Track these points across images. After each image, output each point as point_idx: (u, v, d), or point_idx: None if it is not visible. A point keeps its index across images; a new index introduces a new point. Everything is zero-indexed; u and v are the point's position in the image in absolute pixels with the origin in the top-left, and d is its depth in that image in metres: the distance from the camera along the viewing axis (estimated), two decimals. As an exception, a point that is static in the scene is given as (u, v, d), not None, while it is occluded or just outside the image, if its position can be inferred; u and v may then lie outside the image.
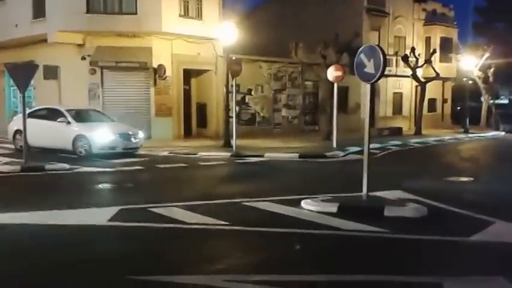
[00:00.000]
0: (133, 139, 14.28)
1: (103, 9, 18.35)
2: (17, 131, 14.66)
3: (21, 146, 14.41)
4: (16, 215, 6.94)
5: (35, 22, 19.32)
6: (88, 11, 18.10)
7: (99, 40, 18.19)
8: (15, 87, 14.71)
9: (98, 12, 18.22)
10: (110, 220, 6.73)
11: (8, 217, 6.83)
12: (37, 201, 7.92)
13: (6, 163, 11.88)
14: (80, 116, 14.66)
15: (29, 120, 14.40)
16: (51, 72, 18.47)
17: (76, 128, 13.93)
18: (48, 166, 11.49)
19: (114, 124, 14.81)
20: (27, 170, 11.07)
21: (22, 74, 11.67)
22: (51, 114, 14.68)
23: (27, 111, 15.08)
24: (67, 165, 11.76)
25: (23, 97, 12.00)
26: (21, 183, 10.10)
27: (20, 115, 15.46)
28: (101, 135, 13.72)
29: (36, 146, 14.19)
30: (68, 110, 14.53)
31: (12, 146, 15.38)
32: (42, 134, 14.30)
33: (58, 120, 14.23)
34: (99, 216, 6.93)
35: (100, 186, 9.61)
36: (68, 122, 14.06)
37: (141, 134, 14.74)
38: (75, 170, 11.53)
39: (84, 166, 12.01)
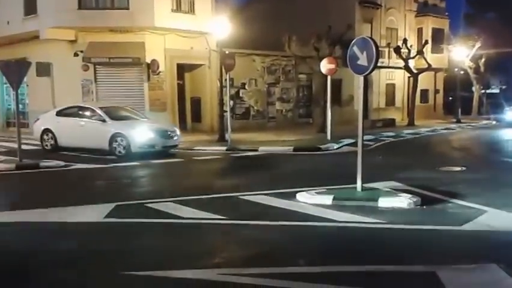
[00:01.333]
0: (171, 136, 13.70)
1: (94, 4, 18.23)
2: (46, 130, 14.11)
3: (51, 145, 14.11)
4: (10, 213, 6.96)
5: (26, 19, 19.18)
6: (79, 7, 17.97)
7: (91, 36, 18.10)
8: (8, 85, 14.60)
9: (90, 7, 18.11)
10: (106, 217, 6.76)
11: (2, 215, 6.85)
12: (31, 199, 7.94)
13: (0, 161, 11.83)
14: (112, 113, 13.78)
15: (59, 119, 14.18)
16: (44, 69, 18.38)
17: (112, 126, 13.15)
18: (43, 163, 11.48)
19: (150, 122, 14.27)
20: (22, 168, 11.05)
21: (15, 71, 11.61)
22: (83, 112, 14.01)
23: (56, 109, 14.89)
24: (61, 163, 11.74)
25: (16, 95, 11.95)
26: (15, 182, 10.10)
27: (48, 113, 15.14)
28: (141, 134, 12.99)
29: (67, 146, 13.75)
30: (100, 108, 13.89)
31: (6, 144, 15.31)
32: (75, 133, 13.70)
33: (93, 118, 13.59)
34: (95, 213, 6.96)
35: (95, 182, 9.63)
36: (103, 120, 13.32)
37: (178, 131, 14.20)
38: (70, 167, 11.53)
39: (79, 163, 12.01)
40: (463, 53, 30.27)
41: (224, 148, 14.78)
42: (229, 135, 15.49)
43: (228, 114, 15.99)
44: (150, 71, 18.65)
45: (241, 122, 21.32)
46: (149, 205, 7.39)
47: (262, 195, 7.95)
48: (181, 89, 20.65)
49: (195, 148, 14.95)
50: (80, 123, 13.84)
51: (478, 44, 30.86)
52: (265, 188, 8.44)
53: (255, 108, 23.14)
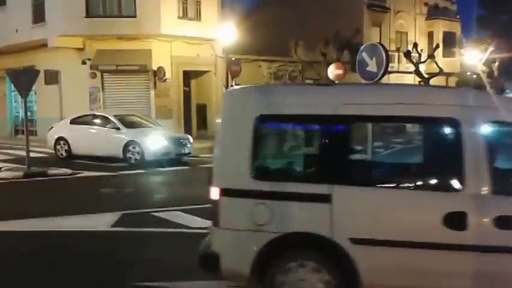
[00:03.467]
0: (184, 144, 13.68)
1: (102, 12, 18.32)
2: (60, 139, 14.06)
3: (65, 153, 14.03)
4: (18, 222, 6.90)
5: (35, 27, 19.31)
6: (87, 15, 18.07)
7: (99, 44, 18.15)
8: (17, 93, 14.66)
9: (97, 16, 18.19)
10: (113, 226, 6.71)
11: (11, 224, 6.79)
12: (39, 207, 7.89)
13: (9, 169, 11.83)
14: (126, 121, 13.78)
15: (73, 127, 14.16)
16: (52, 77, 18.45)
17: (126, 134, 13.13)
18: (50, 171, 11.47)
19: (163, 129, 14.24)
20: (30, 176, 11.03)
21: (23, 79, 11.65)
22: (97, 120, 14.02)
23: (70, 118, 14.81)
24: (69, 170, 11.73)
25: (25, 102, 11.98)
26: (24, 190, 10.08)
27: (61, 122, 15.15)
28: (155, 141, 12.99)
29: (81, 154, 13.66)
30: (114, 116, 13.86)
31: (14, 152, 15.32)
32: (88, 141, 13.66)
33: (106, 126, 13.56)
34: (102, 221, 6.91)
35: (102, 190, 9.56)
36: (118, 128, 13.32)
37: (191, 139, 14.20)
38: (78, 175, 11.50)
39: (87, 171, 11.96)
40: (475, 57, 29.90)
41: (231, 155, 14.64)
42: (236, 142, 15.34)
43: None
44: (156, 78, 18.66)
45: (249, 129, 21.19)
46: (156, 214, 7.33)
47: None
48: (187, 96, 20.63)
49: (201, 155, 14.83)
50: (94, 131, 13.85)
51: (491, 48, 30.47)
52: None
53: (262, 114, 23.01)
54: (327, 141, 3.71)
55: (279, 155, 3.93)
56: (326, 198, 3.41)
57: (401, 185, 3.55)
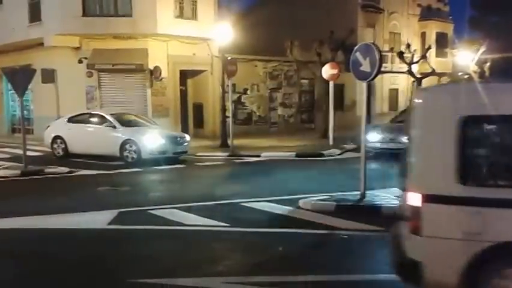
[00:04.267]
0: (181, 143, 13.79)
1: (98, 11, 18.36)
2: (56, 137, 14.12)
3: (62, 152, 14.07)
4: (16, 220, 7.01)
5: (31, 26, 19.32)
6: (83, 14, 18.10)
7: (95, 43, 18.20)
8: (13, 91, 14.70)
9: (94, 15, 18.23)
10: (110, 223, 6.82)
11: (8, 222, 6.90)
12: (36, 205, 8.00)
13: (6, 167, 11.91)
14: (123, 120, 13.87)
15: (70, 126, 14.22)
16: (49, 76, 18.49)
17: (123, 132, 13.25)
18: (47, 170, 11.55)
19: (160, 128, 14.32)
20: (27, 174, 11.12)
21: (20, 78, 11.69)
22: (93, 119, 14.08)
23: (67, 116, 14.86)
24: (66, 169, 11.82)
25: (22, 101, 12.05)
26: (21, 188, 10.16)
27: (58, 120, 15.18)
28: (151, 140, 13.08)
29: (78, 153, 13.73)
30: (110, 114, 13.90)
31: (12, 150, 15.38)
32: (85, 140, 13.75)
33: (103, 125, 13.63)
34: (99, 219, 7.02)
35: (99, 189, 9.67)
36: (114, 127, 13.41)
37: (188, 138, 14.30)
38: (75, 173, 11.59)
39: (84, 169, 12.05)
40: (467, 58, 30.21)
41: (226, 154, 14.81)
42: (231, 141, 15.53)
43: (230, 120, 16.03)
44: (153, 77, 18.73)
45: (243, 128, 21.33)
46: (153, 212, 7.44)
47: (265, 202, 7.97)
48: (183, 95, 20.72)
49: (198, 154, 14.97)
50: (91, 130, 13.93)
51: (482, 48, 30.78)
52: (267, 195, 8.47)
53: (257, 113, 23.16)
54: None
55: (488, 159, 3.62)
56: None
57: None
